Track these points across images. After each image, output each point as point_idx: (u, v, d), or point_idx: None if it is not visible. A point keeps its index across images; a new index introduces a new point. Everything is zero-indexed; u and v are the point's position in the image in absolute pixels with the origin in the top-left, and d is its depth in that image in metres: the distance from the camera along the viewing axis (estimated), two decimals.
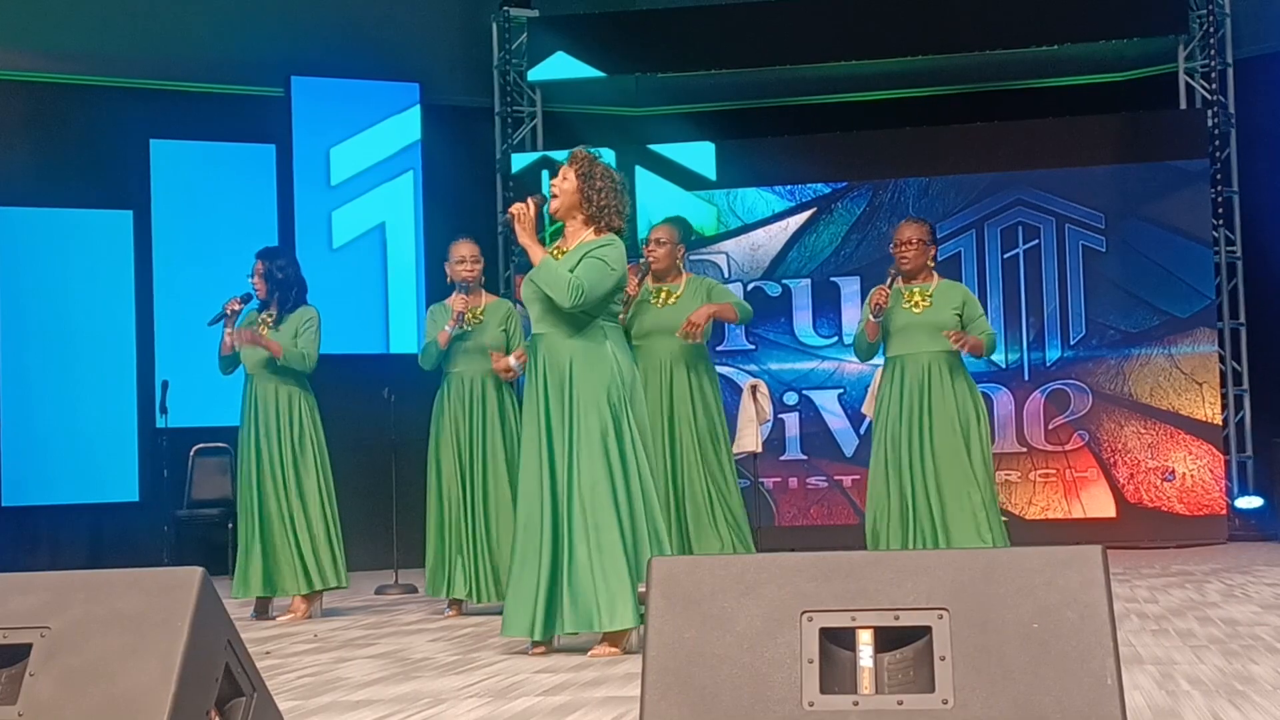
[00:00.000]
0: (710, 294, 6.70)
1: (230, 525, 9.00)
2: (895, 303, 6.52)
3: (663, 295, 6.64)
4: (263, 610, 7.11)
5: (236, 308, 7.09)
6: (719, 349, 11.01)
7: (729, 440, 6.86)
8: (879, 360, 6.99)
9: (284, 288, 7.12)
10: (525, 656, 5.17)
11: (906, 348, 6.51)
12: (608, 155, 5.70)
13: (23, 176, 10.54)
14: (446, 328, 6.94)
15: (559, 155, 5.38)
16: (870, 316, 6.49)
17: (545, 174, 10.77)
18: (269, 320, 7.08)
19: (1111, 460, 10.73)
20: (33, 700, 2.46)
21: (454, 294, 7.03)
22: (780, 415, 10.83)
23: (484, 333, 7.04)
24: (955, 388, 6.45)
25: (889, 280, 6.47)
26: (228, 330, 7.06)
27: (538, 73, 11.71)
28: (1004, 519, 6.66)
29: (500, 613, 5.55)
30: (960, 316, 6.50)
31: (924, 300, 6.48)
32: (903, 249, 6.52)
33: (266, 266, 7.12)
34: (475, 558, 6.92)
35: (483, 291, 7.17)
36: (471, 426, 7.02)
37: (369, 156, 11.07)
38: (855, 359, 7.14)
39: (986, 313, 7.00)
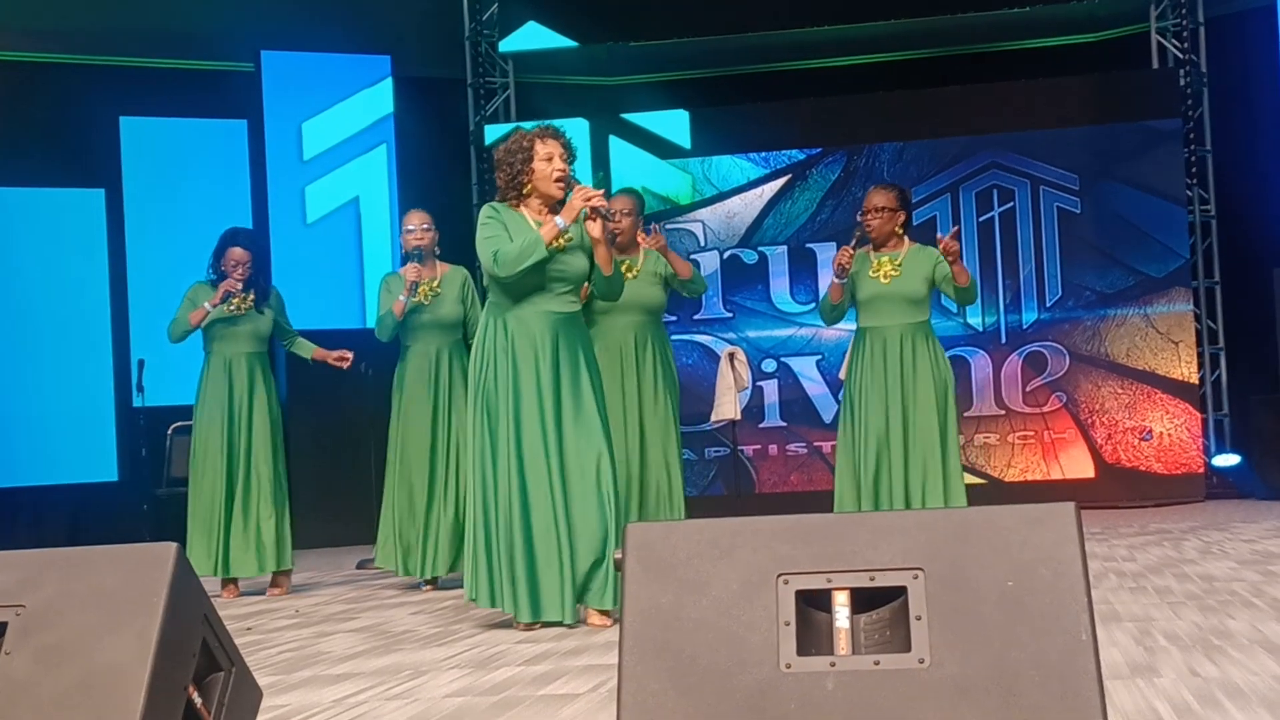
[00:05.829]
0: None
1: None
2: (863, 271, 6.38)
3: (622, 269, 6.24)
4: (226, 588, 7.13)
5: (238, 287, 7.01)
6: (695, 317, 11.02)
7: (679, 419, 6.69)
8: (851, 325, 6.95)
9: (267, 271, 7.14)
10: (506, 628, 5.16)
11: (876, 319, 6.37)
12: (581, 125, 5.68)
13: None
14: (401, 297, 6.89)
15: (531, 126, 5.33)
16: (834, 278, 6.40)
17: None
18: (249, 303, 7.01)
19: (1089, 421, 10.77)
20: (8, 678, 2.45)
21: (408, 264, 6.98)
22: (759, 382, 10.83)
23: (441, 305, 7.00)
24: (930, 359, 6.32)
25: (853, 241, 6.37)
26: (209, 306, 6.95)
27: (509, 43, 11.67)
28: (983, 482, 6.64)
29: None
30: (931, 282, 6.37)
31: (893, 270, 6.32)
32: (868, 216, 6.37)
33: (254, 254, 7.06)
34: (438, 534, 6.91)
35: (437, 261, 7.10)
36: (436, 402, 6.98)
37: (341, 130, 11.02)
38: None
39: None
